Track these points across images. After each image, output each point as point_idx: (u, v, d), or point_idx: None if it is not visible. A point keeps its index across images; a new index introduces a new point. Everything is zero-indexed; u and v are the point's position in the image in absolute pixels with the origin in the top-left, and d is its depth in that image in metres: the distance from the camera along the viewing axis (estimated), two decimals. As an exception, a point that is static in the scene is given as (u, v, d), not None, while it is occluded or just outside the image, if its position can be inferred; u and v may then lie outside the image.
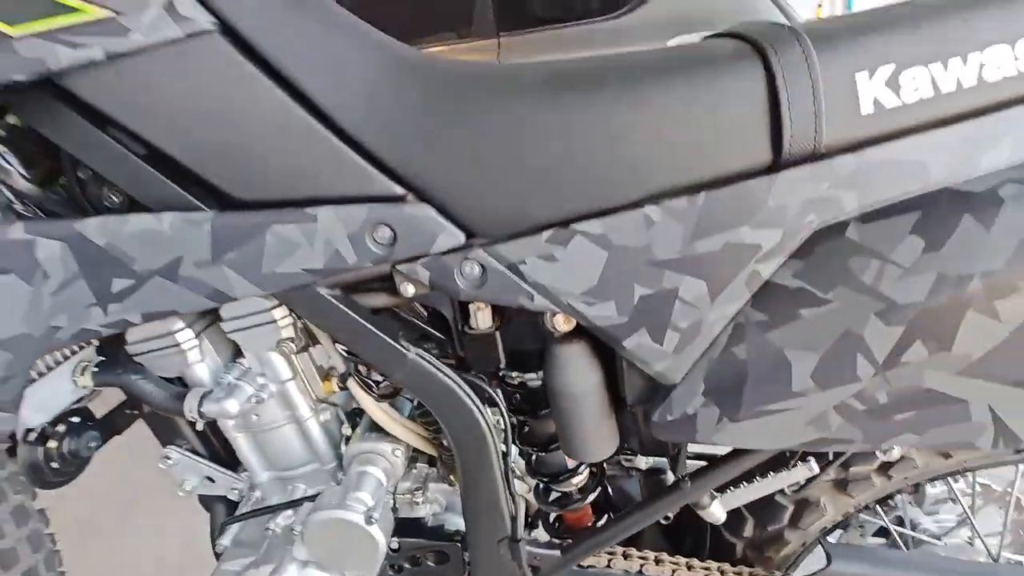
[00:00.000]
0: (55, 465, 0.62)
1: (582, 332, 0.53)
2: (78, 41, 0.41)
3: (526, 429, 0.67)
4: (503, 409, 0.58)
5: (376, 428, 0.65)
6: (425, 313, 0.59)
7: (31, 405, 0.54)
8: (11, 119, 0.49)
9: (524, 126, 0.45)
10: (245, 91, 0.45)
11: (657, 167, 0.44)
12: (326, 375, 0.66)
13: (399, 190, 0.48)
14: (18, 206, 0.50)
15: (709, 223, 0.44)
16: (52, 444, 0.62)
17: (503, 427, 0.58)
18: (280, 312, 0.57)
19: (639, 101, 0.44)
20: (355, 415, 0.70)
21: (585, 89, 0.45)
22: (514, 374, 0.62)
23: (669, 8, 2.14)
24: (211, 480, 0.73)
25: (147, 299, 0.49)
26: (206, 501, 0.77)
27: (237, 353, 0.64)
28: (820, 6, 4.31)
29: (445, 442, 0.61)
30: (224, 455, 0.73)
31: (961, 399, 0.41)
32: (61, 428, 0.63)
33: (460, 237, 0.48)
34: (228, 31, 0.45)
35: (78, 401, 0.62)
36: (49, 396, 0.56)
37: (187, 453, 0.71)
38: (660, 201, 0.45)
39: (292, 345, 0.59)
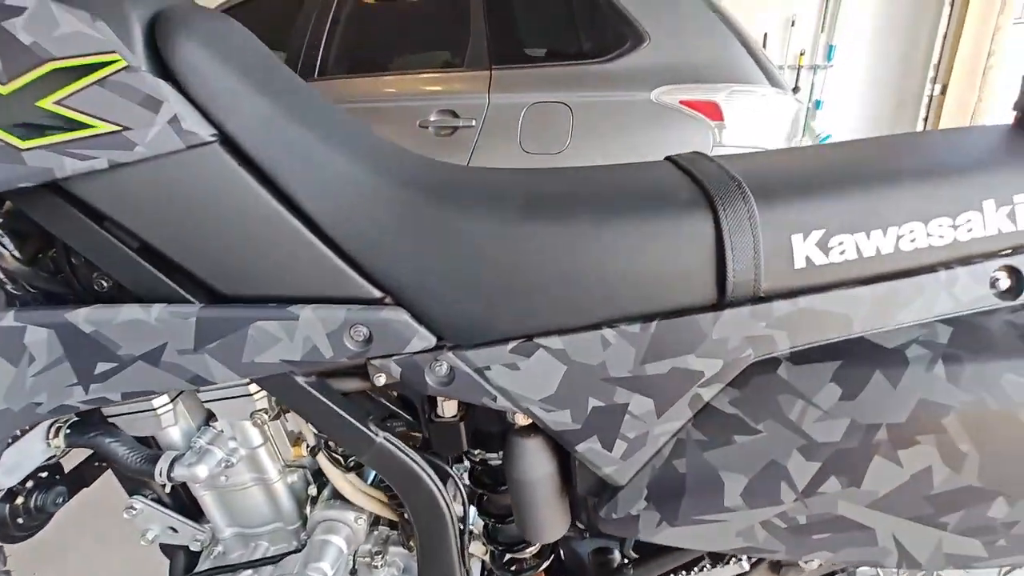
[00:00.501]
0: (20, 521, 0.63)
1: (538, 427, 0.56)
2: (85, 153, 0.44)
3: (485, 499, 0.71)
4: (463, 492, 0.61)
5: (341, 495, 0.67)
6: (395, 394, 0.62)
7: (3, 468, 0.56)
8: (7, 204, 0.51)
9: (496, 245, 0.49)
10: (239, 197, 0.48)
11: (616, 295, 0.48)
12: (296, 440, 0.68)
13: (377, 293, 0.51)
14: (9, 285, 0.52)
15: (659, 348, 0.49)
16: (19, 500, 0.63)
17: (462, 507, 0.62)
18: (255, 386, 0.60)
19: (603, 235, 0.48)
20: (321, 475, 0.73)
21: (555, 217, 0.49)
22: (476, 452, 0.65)
23: (656, 59, 2.22)
24: (174, 530, 0.75)
25: (128, 380, 0.51)
26: (168, 549, 0.78)
27: (210, 416, 0.66)
28: (803, 53, 4.47)
29: (406, 514, 0.64)
30: (188, 506, 0.75)
31: (869, 527, 0.46)
32: (29, 484, 0.64)
33: (432, 340, 0.52)
34: (227, 141, 0.48)
35: (49, 459, 0.63)
36: (21, 458, 0.58)
37: (152, 503, 0.73)
38: (616, 325, 0.49)
39: (265, 416, 0.61)
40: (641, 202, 0.49)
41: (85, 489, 0.76)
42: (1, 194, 0.50)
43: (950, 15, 4.03)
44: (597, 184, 0.54)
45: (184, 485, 0.76)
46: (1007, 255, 0.46)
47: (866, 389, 0.44)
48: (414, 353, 0.52)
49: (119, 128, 0.44)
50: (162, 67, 0.46)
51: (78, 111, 0.43)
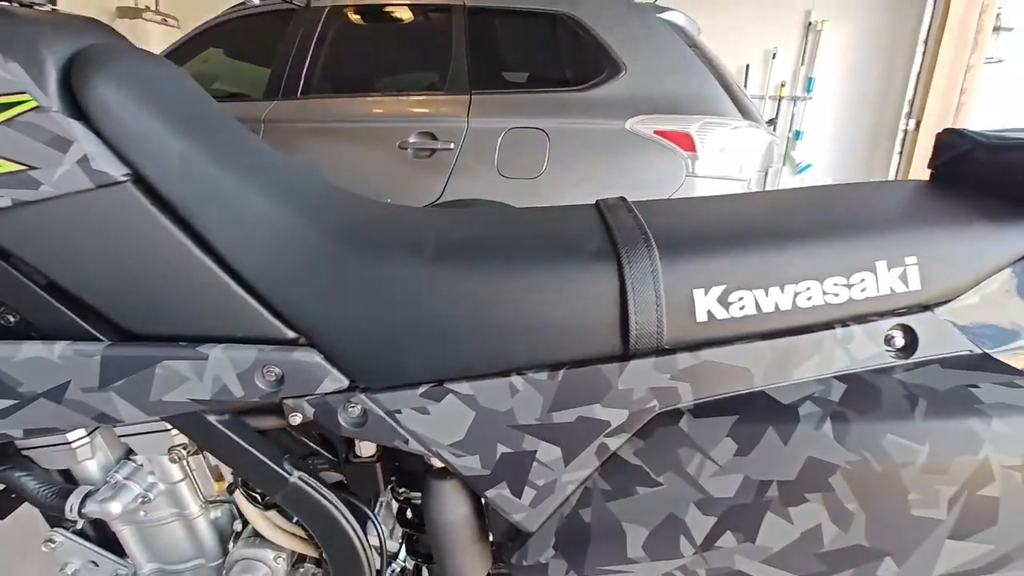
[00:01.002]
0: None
1: None
2: None
3: (415, 539, 0.70)
4: (381, 533, 0.61)
5: (261, 533, 0.66)
6: (315, 432, 0.62)
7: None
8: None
9: (407, 289, 0.50)
10: (150, 236, 0.48)
11: (524, 343, 0.49)
12: (219, 475, 0.67)
13: (291, 334, 0.51)
14: (-87, 317, 0.51)
15: (566, 397, 0.49)
16: None
17: (379, 549, 0.61)
18: (173, 422, 0.59)
19: (512, 283, 0.49)
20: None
21: (465, 263, 0.50)
22: (402, 491, 0.65)
23: (632, 89, 2.26)
24: (95, 564, 0.73)
25: (30, 417, 0.50)
26: (90, 583, 0.76)
27: (130, 450, 0.65)
28: (783, 84, 4.58)
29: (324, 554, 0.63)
30: (112, 540, 0.73)
31: (767, 582, 0.46)
32: (-63, 517, 0.62)
33: (344, 382, 0.52)
34: (140, 181, 0.48)
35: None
36: (-77, 493, 0.56)
37: (73, 536, 0.71)
38: (525, 372, 0.49)
39: (183, 451, 0.61)
40: (551, 251, 0.50)
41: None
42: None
43: (924, 52, 4.16)
44: (514, 230, 0.55)
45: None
46: (902, 314, 0.47)
47: (759, 445, 0.45)
48: (327, 394, 0.52)
49: (24, 167, 0.44)
50: (76, 107, 0.47)
51: None
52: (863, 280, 0.46)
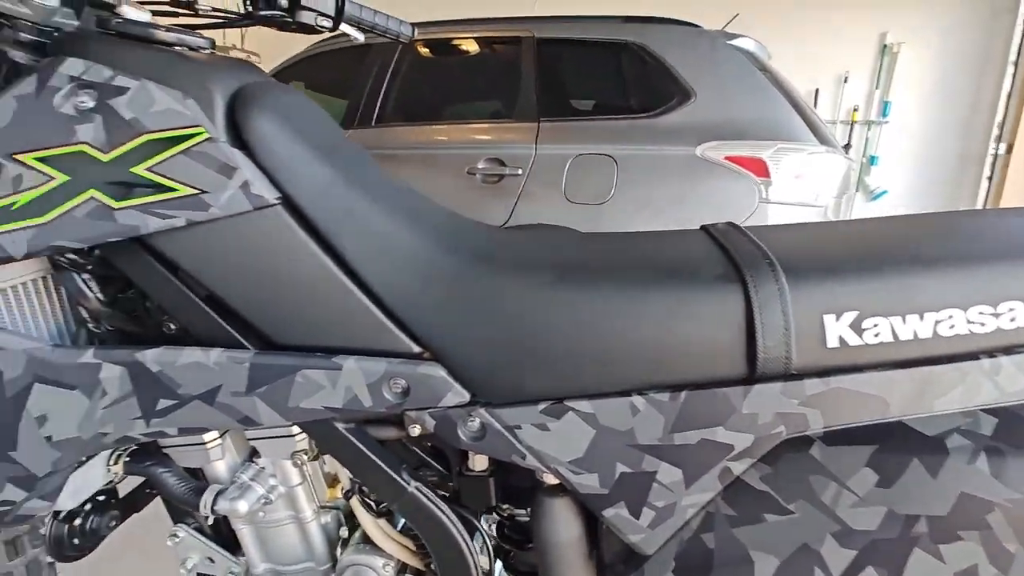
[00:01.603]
0: (76, 541, 0.68)
1: (566, 487, 0.57)
2: (167, 212, 0.49)
3: (512, 555, 0.71)
4: (490, 547, 0.62)
5: (370, 540, 0.69)
6: (429, 445, 0.64)
7: (67, 491, 0.60)
8: (95, 251, 0.58)
9: (529, 309, 0.52)
10: (296, 254, 0.53)
11: (645, 364, 0.49)
12: (332, 482, 0.71)
13: (416, 348, 0.54)
14: (91, 324, 0.58)
15: (688, 419, 0.49)
16: (77, 522, 0.68)
17: (488, 562, 0.62)
18: (298, 428, 0.63)
19: (634, 305, 0.50)
20: (353, 518, 0.75)
21: (587, 285, 0.51)
22: (505, 507, 0.66)
23: (702, 115, 2.25)
24: (211, 560, 0.77)
25: (185, 417, 0.55)
26: (203, 578, 0.81)
27: (254, 452, 0.69)
28: (856, 109, 4.42)
29: (432, 564, 0.65)
30: (227, 539, 0.78)
31: (909, 623, 0.44)
32: (87, 506, 0.68)
33: (466, 396, 0.54)
34: (289, 204, 0.53)
35: (107, 484, 0.68)
36: (83, 482, 0.62)
37: (194, 532, 0.76)
38: (646, 393, 0.50)
39: (304, 456, 0.64)
40: (673, 273, 0.51)
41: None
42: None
43: (1014, 74, 3.93)
44: (631, 252, 0.56)
45: (224, 518, 0.79)
46: (1056, 345, 0.45)
47: (903, 477, 0.43)
48: (448, 407, 0.54)
49: (197, 191, 0.50)
50: (238, 137, 0.52)
51: (165, 176, 0.49)
52: (1012, 310, 0.44)
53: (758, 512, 0.48)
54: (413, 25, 0.94)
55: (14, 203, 0.47)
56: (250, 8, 0.79)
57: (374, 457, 0.58)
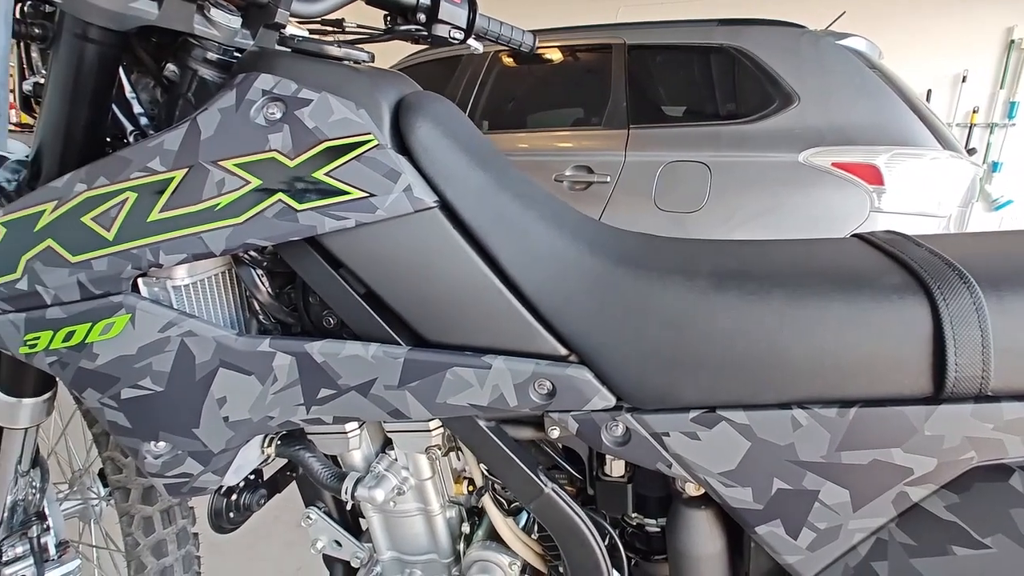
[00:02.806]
0: (232, 515, 0.74)
1: (710, 500, 0.55)
2: (340, 214, 0.53)
3: (634, 564, 0.70)
4: (623, 554, 0.61)
5: (496, 538, 0.70)
6: (560, 447, 0.65)
7: (232, 468, 0.66)
8: (267, 248, 0.63)
9: (687, 316, 0.51)
10: (451, 256, 0.55)
11: (810, 377, 0.47)
12: (458, 478, 0.73)
13: (563, 351, 0.55)
14: (260, 316, 0.63)
15: (858, 437, 0.46)
16: (234, 497, 0.74)
17: (620, 571, 0.61)
18: (435, 424, 0.65)
19: (802, 314, 0.48)
20: (475, 515, 0.76)
21: (748, 291, 0.50)
22: (634, 515, 0.65)
23: (806, 120, 2.14)
24: (338, 544, 0.82)
25: (341, 406, 0.58)
26: (329, 561, 0.85)
27: (386, 444, 0.73)
28: (976, 111, 4.04)
29: (561, 568, 0.65)
30: (351, 524, 0.82)
31: None
32: (241, 484, 0.74)
33: (611, 400, 0.54)
34: (446, 207, 0.55)
35: (261, 464, 0.73)
36: (244, 461, 0.68)
37: (324, 516, 0.81)
38: (809, 407, 0.48)
39: (438, 451, 0.67)
40: (846, 282, 0.48)
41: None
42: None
43: None
44: (787, 259, 0.54)
45: (351, 506, 0.83)
46: None
47: None
48: (593, 411, 0.54)
49: (367, 195, 0.53)
50: (401, 144, 0.55)
51: (340, 181, 0.53)
52: None
53: (945, 544, 0.44)
54: (534, 34, 0.96)
55: (217, 204, 0.52)
56: (391, 24, 0.84)
57: (513, 456, 0.59)
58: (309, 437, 0.70)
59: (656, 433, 0.52)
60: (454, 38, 0.85)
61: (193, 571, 0.93)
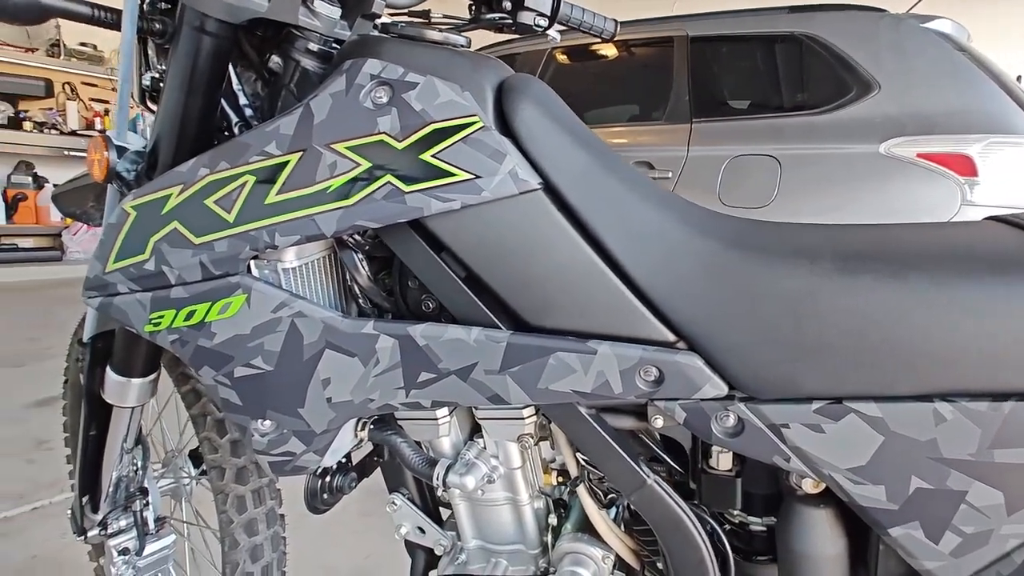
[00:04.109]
0: (326, 496, 0.76)
1: (829, 497, 0.52)
2: (447, 196, 0.53)
3: (731, 563, 0.67)
4: (729, 552, 0.58)
5: (586, 530, 0.69)
6: (658, 438, 0.62)
7: (330, 449, 0.67)
8: (368, 231, 0.64)
9: (812, 298, 0.48)
10: (554, 238, 0.54)
11: (955, 368, 0.44)
12: (547, 468, 0.72)
13: (671, 337, 0.53)
14: (360, 299, 0.64)
15: (1016, 434, 0.42)
16: (327, 479, 0.75)
17: (726, 569, 0.59)
18: (528, 411, 0.64)
19: (947, 302, 0.44)
20: (562, 506, 0.75)
21: (885, 275, 0.46)
22: (735, 512, 0.62)
23: (887, 108, 2.01)
24: (422, 531, 0.82)
25: (440, 391, 0.59)
26: (411, 547, 0.86)
27: (473, 432, 0.72)
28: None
29: (659, 564, 0.63)
30: (433, 511, 0.83)
31: None
32: (334, 467, 0.76)
33: (723, 389, 0.51)
34: (549, 189, 0.54)
35: (353, 447, 0.75)
36: (339, 445, 0.69)
37: (408, 502, 0.81)
38: (954, 400, 0.44)
39: (530, 439, 0.66)
40: (992, 264, 0.44)
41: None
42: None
43: None
44: (919, 242, 0.50)
45: (432, 492, 0.84)
46: None
47: None
48: (702, 400, 0.52)
49: (473, 176, 0.53)
50: (504, 126, 0.55)
51: (446, 162, 0.53)
52: None
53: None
54: (616, 21, 0.94)
55: (329, 187, 0.53)
56: (476, 14, 0.84)
57: (616, 445, 0.57)
58: (399, 423, 0.71)
59: (774, 424, 0.50)
60: (538, 25, 0.84)
61: (280, 551, 0.96)
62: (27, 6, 0.56)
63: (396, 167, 0.53)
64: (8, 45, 5.23)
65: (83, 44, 5.68)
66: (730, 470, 0.57)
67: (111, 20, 0.62)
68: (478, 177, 0.53)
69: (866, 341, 0.46)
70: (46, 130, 5.35)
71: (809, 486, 0.52)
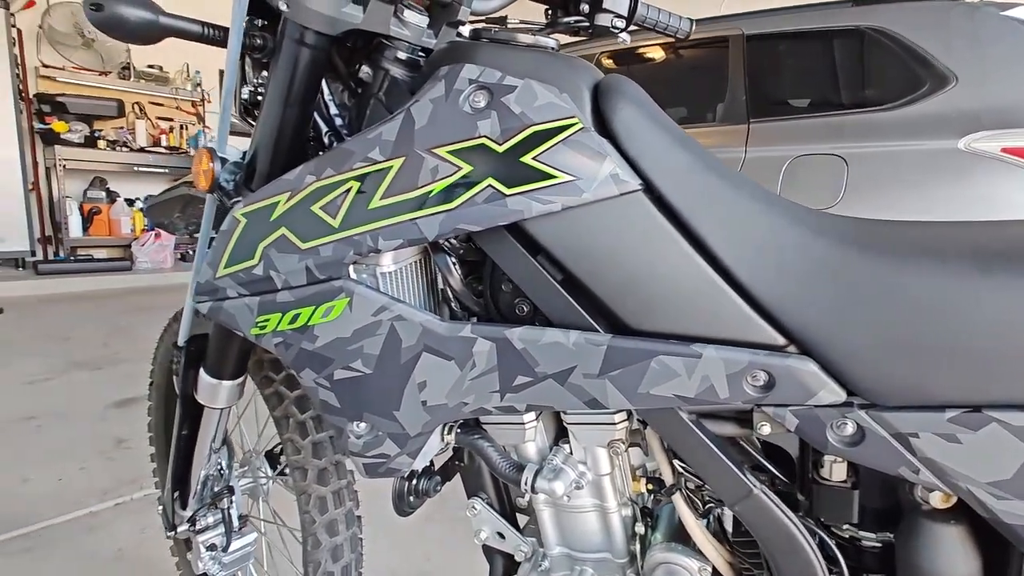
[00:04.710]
0: (412, 499, 0.76)
1: (961, 512, 0.49)
2: (547, 198, 0.53)
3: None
4: (844, 566, 0.55)
5: (679, 540, 0.67)
6: (759, 445, 0.60)
7: (421, 453, 0.68)
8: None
9: (944, 302, 0.45)
10: (656, 239, 0.53)
11: None
12: (634, 475, 0.70)
13: (781, 340, 0.51)
14: (452, 303, 0.64)
15: None
16: (414, 482, 0.76)
17: (841, 586, 0.56)
18: (620, 417, 0.63)
19: None
20: (648, 515, 0.74)
21: None
22: (844, 527, 0.59)
23: (966, 102, 1.90)
24: (501, 536, 0.82)
25: (536, 395, 0.58)
26: (489, 553, 0.86)
27: (558, 437, 0.72)
28: None
29: (761, 579, 0.61)
30: (512, 517, 0.82)
31: None
32: (419, 470, 0.77)
33: (841, 395, 0.49)
34: (650, 190, 0.53)
35: (440, 451, 0.75)
36: (428, 448, 0.69)
37: (488, 507, 0.81)
38: (1120, 409, 0.40)
39: (621, 445, 0.65)
40: None
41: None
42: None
43: None
44: None
45: (510, 497, 0.83)
46: None
47: None
48: (816, 407, 0.50)
49: (573, 178, 0.52)
50: (601, 127, 0.54)
51: (547, 164, 0.53)
52: None
53: None
54: (691, 20, 0.93)
55: (431, 191, 0.54)
56: (552, 18, 0.84)
57: (718, 451, 0.55)
58: (484, 427, 0.71)
59: (900, 433, 0.47)
60: (615, 27, 0.84)
61: (358, 552, 0.97)
62: (146, 26, 0.60)
63: (497, 170, 0.53)
64: (85, 70, 5.61)
65: (150, 66, 6.04)
66: (844, 481, 0.54)
67: (218, 37, 0.65)
68: (578, 179, 0.52)
69: (1009, 345, 0.43)
70: (117, 148, 5.71)
71: (938, 500, 0.49)
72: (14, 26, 5.10)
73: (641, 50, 2.86)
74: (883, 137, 2.01)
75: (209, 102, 6.41)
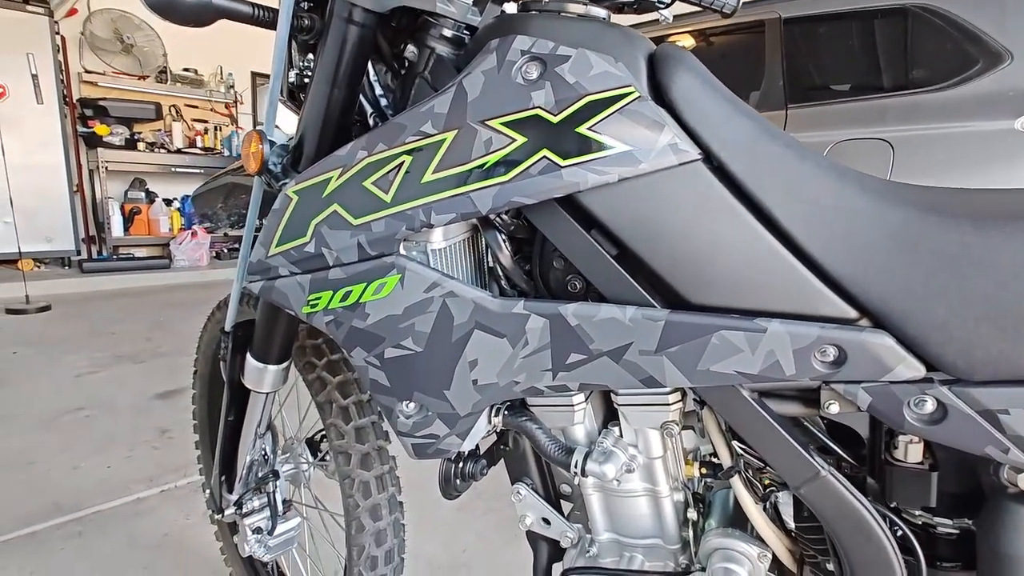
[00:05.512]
0: (458, 482, 0.76)
1: None
2: (603, 169, 0.51)
3: (923, 568, 0.60)
4: (920, 554, 0.53)
5: (735, 525, 0.65)
6: (823, 425, 0.58)
7: (469, 434, 0.67)
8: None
9: None
10: (717, 211, 0.51)
11: None
12: (687, 458, 0.68)
13: (852, 313, 0.48)
14: (502, 280, 0.63)
15: None
16: (460, 465, 0.76)
17: (919, 573, 0.53)
18: (674, 397, 0.61)
19: None
20: (700, 501, 0.71)
21: None
22: (917, 512, 0.56)
23: (1018, 83, 1.81)
24: (547, 522, 0.81)
25: (590, 373, 0.57)
26: (533, 539, 0.85)
27: (607, 420, 0.70)
28: None
29: (830, 565, 0.58)
30: (556, 503, 0.81)
31: None
32: (465, 454, 0.76)
33: (920, 370, 0.46)
34: (709, 160, 0.51)
35: (487, 434, 0.75)
36: (476, 430, 0.69)
37: (532, 492, 0.80)
38: None
39: (674, 427, 0.63)
40: None
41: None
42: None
43: None
44: None
45: (554, 482, 0.82)
46: None
47: None
48: (892, 383, 0.47)
49: (629, 148, 0.51)
50: (659, 96, 0.52)
51: (603, 134, 0.51)
52: None
53: None
54: None
55: (485, 163, 0.53)
56: None
57: (783, 431, 0.53)
58: (532, 409, 0.70)
59: (988, 410, 0.44)
60: (662, 2, 0.81)
61: (400, 537, 0.97)
62: (199, 8, 0.60)
63: (551, 141, 0.52)
64: (125, 74, 5.80)
65: (186, 69, 6.20)
66: (921, 462, 0.51)
67: (267, 18, 0.65)
68: (635, 149, 0.51)
69: None
70: (156, 149, 5.88)
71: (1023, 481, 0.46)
72: (58, 33, 5.30)
73: (674, 37, 2.81)
74: (932, 119, 1.93)
75: (242, 103, 6.55)
